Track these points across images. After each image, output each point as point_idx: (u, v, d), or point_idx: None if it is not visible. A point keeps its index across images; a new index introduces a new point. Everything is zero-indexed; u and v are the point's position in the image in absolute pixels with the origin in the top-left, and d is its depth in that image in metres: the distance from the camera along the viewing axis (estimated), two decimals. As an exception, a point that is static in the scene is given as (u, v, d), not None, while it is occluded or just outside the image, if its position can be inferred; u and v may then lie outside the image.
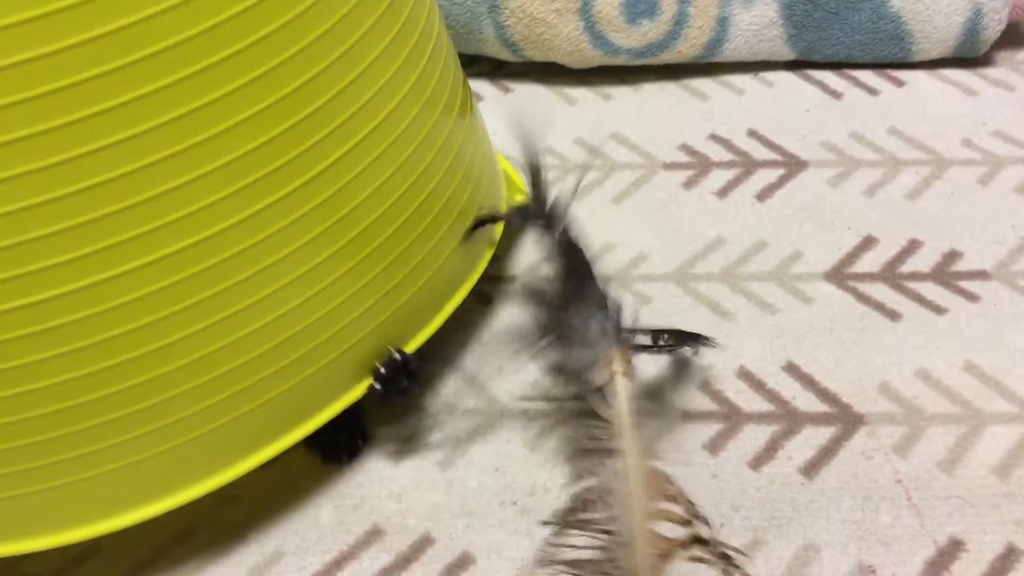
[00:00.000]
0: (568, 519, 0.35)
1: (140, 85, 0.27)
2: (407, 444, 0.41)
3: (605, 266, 0.47)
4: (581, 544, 0.33)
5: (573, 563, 0.33)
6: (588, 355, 0.37)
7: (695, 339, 0.41)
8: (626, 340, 0.37)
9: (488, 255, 0.43)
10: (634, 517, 0.33)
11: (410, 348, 0.38)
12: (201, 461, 0.34)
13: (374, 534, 0.38)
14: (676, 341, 0.41)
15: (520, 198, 0.47)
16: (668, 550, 0.32)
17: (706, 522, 0.33)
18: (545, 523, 0.37)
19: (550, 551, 0.34)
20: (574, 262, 0.40)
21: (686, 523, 0.33)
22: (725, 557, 0.32)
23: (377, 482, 0.39)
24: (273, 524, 0.38)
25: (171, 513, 0.34)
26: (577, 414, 0.37)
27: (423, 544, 0.37)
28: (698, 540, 0.33)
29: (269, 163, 0.31)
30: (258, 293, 0.32)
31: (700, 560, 0.32)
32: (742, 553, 0.35)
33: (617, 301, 0.38)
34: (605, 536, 0.33)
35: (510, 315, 0.45)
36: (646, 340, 0.40)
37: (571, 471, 0.36)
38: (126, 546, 0.38)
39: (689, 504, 0.34)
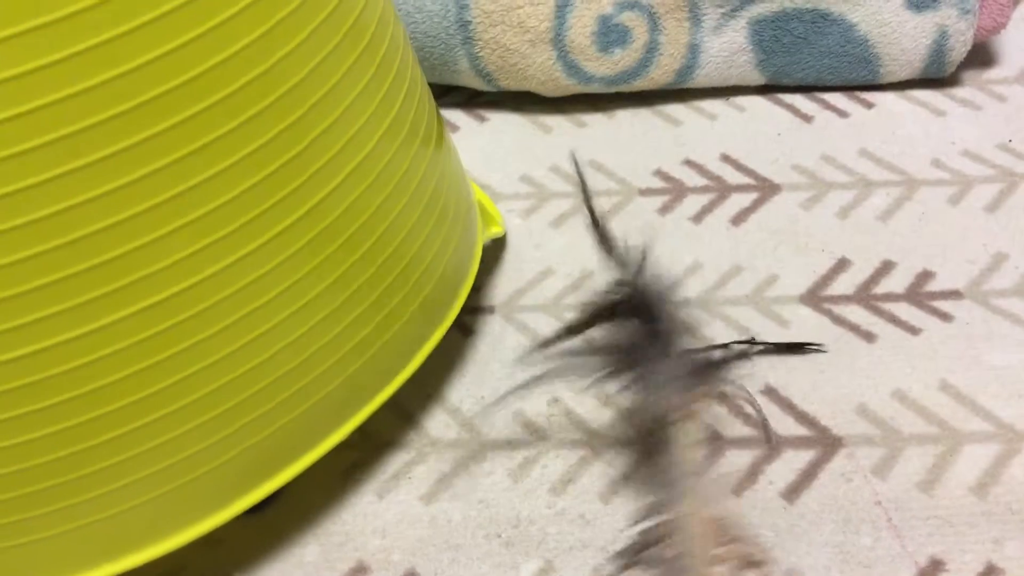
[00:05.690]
0: (637, 556, 0.36)
1: (126, 137, 0.27)
2: (391, 479, 0.41)
3: (585, 294, 0.47)
4: None
5: None
6: (658, 400, 0.37)
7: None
8: (697, 385, 0.38)
9: (468, 285, 0.43)
10: (697, 561, 0.34)
11: (396, 385, 0.39)
12: (187, 508, 0.34)
13: (359, 571, 0.38)
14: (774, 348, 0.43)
15: (496, 229, 0.47)
16: None
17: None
18: (615, 556, 0.37)
19: None
20: (649, 303, 0.40)
21: (755, 564, 0.35)
22: None
23: (361, 518, 0.40)
24: (258, 564, 0.38)
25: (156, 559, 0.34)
26: (646, 453, 0.38)
27: (409, 580, 0.38)
28: None
29: (256, 207, 0.31)
30: (244, 337, 0.32)
31: None
32: None
33: (692, 343, 0.39)
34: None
35: (491, 346, 0.46)
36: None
37: (641, 507, 0.37)
38: (111, 590, 0.38)
39: (758, 545, 0.36)
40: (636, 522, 0.37)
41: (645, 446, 0.38)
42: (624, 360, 0.39)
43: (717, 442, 0.41)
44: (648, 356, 0.38)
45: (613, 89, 0.57)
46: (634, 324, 0.40)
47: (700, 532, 0.34)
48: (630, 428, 0.40)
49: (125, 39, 0.27)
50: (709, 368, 0.40)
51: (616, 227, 0.51)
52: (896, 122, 0.56)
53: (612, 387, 0.39)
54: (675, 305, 0.40)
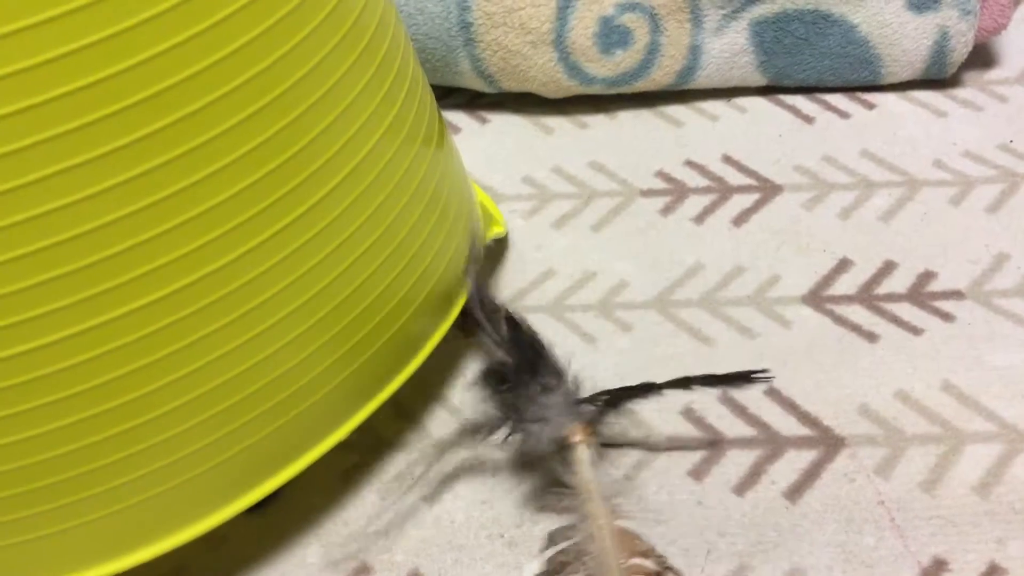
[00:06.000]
0: None
1: (126, 133, 0.28)
2: (394, 480, 0.41)
3: (587, 295, 0.48)
4: None
5: None
6: (548, 432, 0.38)
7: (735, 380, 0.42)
8: (585, 411, 0.39)
9: (468, 286, 0.43)
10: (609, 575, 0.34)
11: (397, 384, 0.39)
12: (189, 505, 0.34)
13: (362, 572, 0.38)
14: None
15: (498, 230, 0.47)
16: None
17: (677, 573, 0.36)
18: None
19: None
20: (524, 345, 0.41)
21: (659, 574, 0.35)
22: None
23: (364, 519, 0.40)
24: (260, 565, 0.38)
25: (158, 557, 0.34)
26: (547, 482, 0.39)
27: (411, 580, 0.38)
28: None
29: (256, 204, 0.31)
30: (245, 335, 0.32)
31: None
32: None
33: (572, 373, 0.39)
34: None
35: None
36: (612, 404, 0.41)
37: (547, 534, 0.37)
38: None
39: (659, 557, 0.36)
40: (544, 549, 0.37)
41: (543, 475, 0.39)
42: (510, 404, 0.39)
43: (719, 443, 0.41)
44: (530, 393, 0.39)
45: (614, 90, 0.57)
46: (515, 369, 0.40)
47: (607, 548, 0.35)
48: (524, 461, 0.41)
49: (124, 36, 0.27)
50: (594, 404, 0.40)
51: (618, 228, 0.51)
52: (897, 123, 0.56)
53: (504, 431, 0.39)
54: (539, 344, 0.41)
